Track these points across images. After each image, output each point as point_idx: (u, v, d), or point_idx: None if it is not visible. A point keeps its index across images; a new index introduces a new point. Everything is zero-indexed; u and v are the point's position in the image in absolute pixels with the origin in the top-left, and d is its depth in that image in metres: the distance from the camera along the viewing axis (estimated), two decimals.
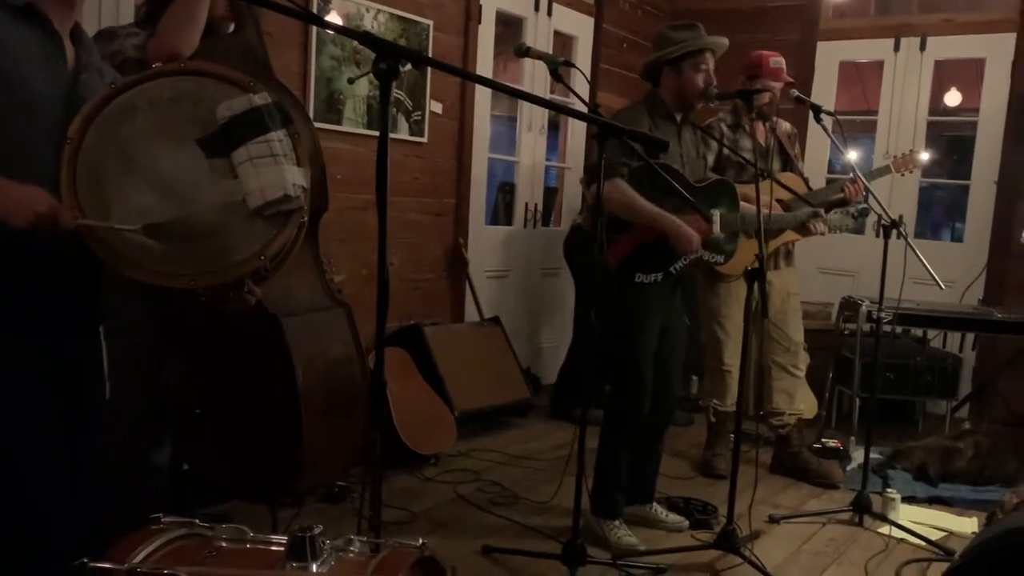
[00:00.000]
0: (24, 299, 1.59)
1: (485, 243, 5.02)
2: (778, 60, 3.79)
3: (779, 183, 3.41)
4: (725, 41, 3.09)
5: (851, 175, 3.66)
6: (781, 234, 3.74)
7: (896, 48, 5.47)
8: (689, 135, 3.20)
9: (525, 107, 5.29)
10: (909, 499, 3.67)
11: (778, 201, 3.65)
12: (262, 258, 1.56)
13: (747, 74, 3.80)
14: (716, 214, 3.02)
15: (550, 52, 4.34)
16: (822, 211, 3.43)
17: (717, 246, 3.08)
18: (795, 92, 3.45)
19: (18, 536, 1.61)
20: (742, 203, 3.19)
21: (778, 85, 3.75)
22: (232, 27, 2.35)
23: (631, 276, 2.96)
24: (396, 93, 4.26)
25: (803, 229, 3.56)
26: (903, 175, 3.98)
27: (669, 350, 3.15)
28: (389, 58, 1.58)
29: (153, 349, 2.31)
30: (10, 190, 1.46)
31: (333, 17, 3.88)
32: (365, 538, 1.44)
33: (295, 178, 1.58)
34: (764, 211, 2.85)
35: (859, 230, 5.55)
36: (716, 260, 3.14)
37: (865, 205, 3.37)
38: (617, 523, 3.10)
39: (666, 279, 3.02)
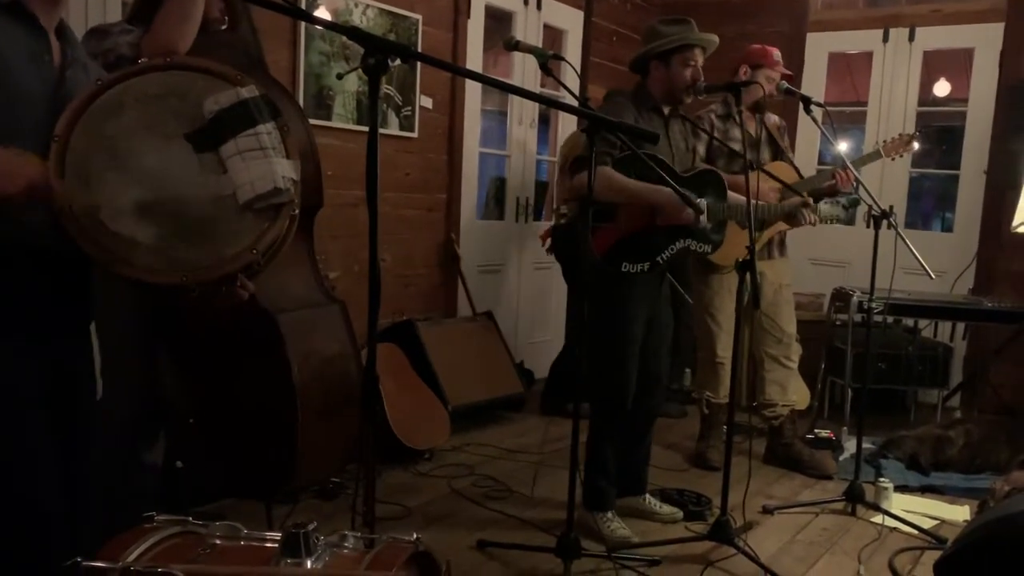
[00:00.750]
0: (15, 298, 1.59)
1: (477, 238, 5.02)
2: (778, 53, 3.82)
3: (767, 173, 3.40)
4: (715, 38, 3.09)
5: (841, 164, 3.66)
6: (773, 224, 3.75)
7: (885, 39, 5.48)
8: (678, 127, 3.21)
9: (515, 101, 5.29)
10: (901, 488, 3.69)
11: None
12: (254, 252, 1.56)
13: (750, 64, 3.81)
14: (702, 203, 3.01)
15: (540, 46, 4.34)
16: (811, 201, 3.42)
17: (704, 235, 3.08)
18: (785, 84, 3.46)
19: (13, 536, 1.60)
20: (730, 193, 3.19)
21: (777, 77, 3.76)
22: (226, 24, 2.35)
23: (617, 266, 2.97)
24: (385, 88, 4.25)
25: (792, 219, 3.54)
26: (893, 159, 3.99)
27: (656, 340, 3.16)
28: (378, 53, 1.57)
29: (146, 347, 2.30)
30: (4, 157, 1.45)
31: (322, 13, 3.87)
32: (359, 534, 1.44)
33: (285, 171, 1.58)
34: (753, 202, 2.85)
35: (849, 221, 5.57)
36: (704, 250, 3.13)
37: (855, 196, 3.36)
38: (609, 515, 3.11)
39: (653, 269, 3.02)
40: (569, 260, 4.76)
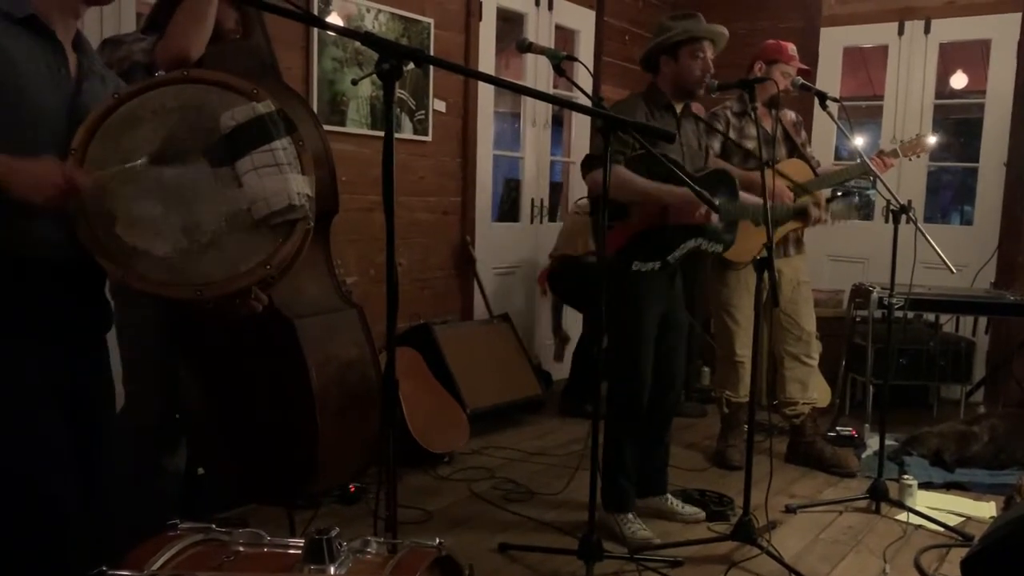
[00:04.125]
0: (33, 306, 1.60)
1: (492, 240, 5.02)
2: (793, 48, 3.81)
3: (780, 174, 3.38)
4: (724, 30, 3.08)
5: (877, 151, 3.63)
6: (784, 224, 3.72)
7: (900, 32, 5.43)
8: (690, 126, 3.20)
9: (528, 103, 5.29)
10: (926, 485, 3.65)
11: (798, 186, 3.63)
12: (268, 267, 1.56)
13: (765, 60, 3.79)
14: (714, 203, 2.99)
15: (552, 47, 4.33)
16: (823, 200, 3.39)
17: (716, 235, 3.08)
18: (800, 79, 3.44)
19: (33, 543, 1.61)
20: (742, 192, 3.18)
21: (793, 72, 3.74)
22: (239, 33, 2.36)
23: (628, 264, 2.96)
24: (399, 93, 4.26)
25: (803, 218, 3.51)
26: (911, 159, 3.96)
27: (672, 338, 3.14)
28: (392, 58, 1.57)
29: (168, 355, 2.31)
30: (26, 168, 1.46)
31: (334, 18, 3.88)
32: (382, 539, 1.44)
33: (300, 187, 1.58)
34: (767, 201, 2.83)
35: (868, 216, 5.52)
36: (715, 249, 3.13)
37: (868, 194, 3.31)
38: (631, 516, 3.09)
39: (664, 268, 3.01)
40: (567, 292, 4.82)
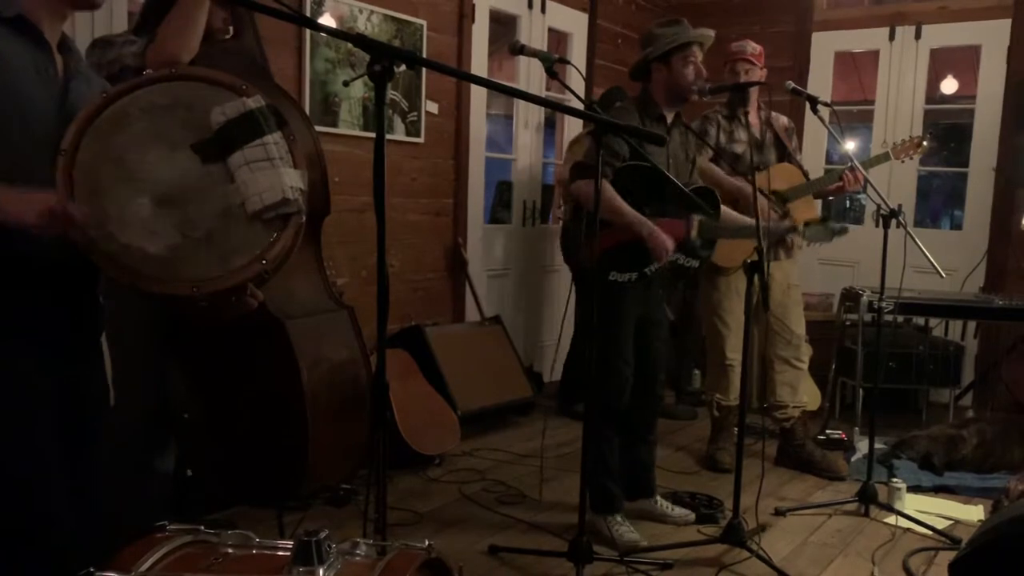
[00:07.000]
0: (23, 308, 1.59)
1: (484, 242, 5.02)
2: (754, 45, 3.80)
3: (758, 188, 3.41)
4: (711, 33, 3.10)
5: (849, 165, 3.65)
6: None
7: (891, 37, 5.46)
8: (678, 137, 3.21)
9: (521, 105, 5.29)
10: (915, 488, 3.66)
11: (774, 192, 3.66)
12: (263, 262, 1.56)
13: (726, 60, 3.82)
14: (695, 220, 3.05)
15: (545, 49, 4.34)
16: (799, 227, 3.40)
17: (692, 250, 3.10)
18: (791, 84, 3.45)
19: (22, 546, 1.60)
20: (724, 209, 3.19)
21: (757, 67, 3.75)
22: (230, 33, 2.36)
23: (605, 274, 2.98)
24: (391, 94, 4.25)
25: (780, 243, 3.57)
26: (903, 161, 3.98)
27: (650, 341, 3.16)
28: (384, 60, 1.57)
29: (157, 355, 2.31)
30: (13, 201, 1.44)
31: (326, 19, 3.87)
32: (371, 541, 1.44)
33: (292, 181, 1.58)
34: (751, 220, 2.86)
35: (858, 220, 5.55)
36: (691, 264, 3.14)
37: (844, 225, 3.33)
38: (618, 519, 3.10)
39: (640, 279, 3.03)
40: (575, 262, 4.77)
